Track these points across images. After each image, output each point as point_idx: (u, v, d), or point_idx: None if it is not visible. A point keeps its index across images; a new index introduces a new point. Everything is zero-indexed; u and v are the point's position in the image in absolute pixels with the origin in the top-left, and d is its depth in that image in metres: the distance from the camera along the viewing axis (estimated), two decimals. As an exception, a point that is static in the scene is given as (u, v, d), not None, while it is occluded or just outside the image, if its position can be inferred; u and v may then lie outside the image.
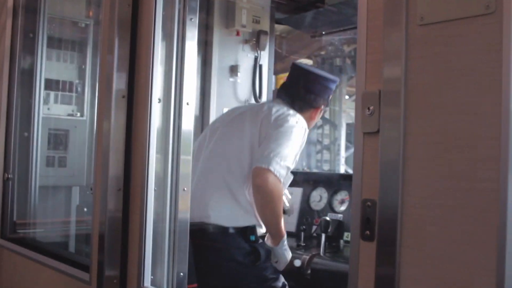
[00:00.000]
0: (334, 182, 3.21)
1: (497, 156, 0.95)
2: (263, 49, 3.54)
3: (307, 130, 2.47)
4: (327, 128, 13.06)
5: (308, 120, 2.58)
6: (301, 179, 3.36)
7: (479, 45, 0.98)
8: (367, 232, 1.14)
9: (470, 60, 0.99)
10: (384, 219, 1.10)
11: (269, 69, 3.62)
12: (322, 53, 10.32)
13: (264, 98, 3.57)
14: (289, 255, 2.49)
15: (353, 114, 13.56)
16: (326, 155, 13.09)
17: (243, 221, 2.41)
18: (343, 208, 3.10)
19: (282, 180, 2.34)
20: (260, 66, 3.54)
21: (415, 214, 1.05)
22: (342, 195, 3.14)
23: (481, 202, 0.96)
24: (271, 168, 2.27)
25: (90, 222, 2.13)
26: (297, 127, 2.42)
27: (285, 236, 2.46)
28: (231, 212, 2.40)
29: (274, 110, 2.46)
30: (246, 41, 3.50)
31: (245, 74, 3.49)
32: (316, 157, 10.70)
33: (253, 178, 2.33)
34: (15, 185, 2.88)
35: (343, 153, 11.13)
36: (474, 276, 0.96)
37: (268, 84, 3.60)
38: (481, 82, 0.98)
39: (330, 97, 2.69)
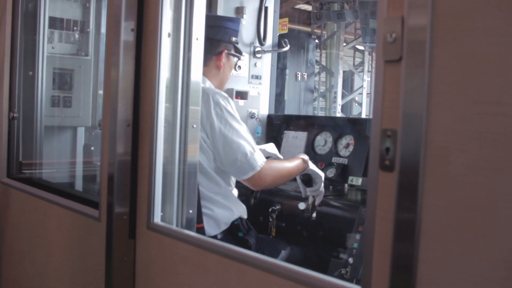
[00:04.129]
0: (339, 126, 3.19)
1: (527, 79, 0.92)
2: (269, -10, 3.47)
3: (228, 98, 2.36)
4: (323, 75, 12.93)
5: (216, 70, 2.51)
6: (305, 123, 3.35)
7: (512, -35, 0.94)
8: (387, 162, 1.13)
9: (501, -19, 0.96)
10: (406, 148, 1.08)
11: (274, 11, 3.56)
12: (322, -2, 10.13)
13: (269, 42, 3.51)
14: (320, 172, 2.57)
15: (350, 62, 13.42)
16: (322, 103, 13.01)
17: (226, 220, 2.37)
18: (348, 152, 3.10)
19: (264, 161, 2.31)
20: (266, 8, 3.47)
21: (440, 140, 1.03)
22: (347, 139, 3.13)
23: (509, 127, 0.94)
24: (250, 175, 2.27)
25: (96, 163, 2.11)
26: (223, 106, 2.31)
27: (309, 163, 2.54)
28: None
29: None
30: (251, -18, 3.43)
31: (251, 16, 3.43)
32: (312, 104, 10.68)
33: (250, 186, 2.38)
34: (21, 125, 2.86)
35: (339, 101, 11.11)
36: (498, 201, 0.95)
37: (273, 27, 3.54)
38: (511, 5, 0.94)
39: (234, 39, 2.58)
